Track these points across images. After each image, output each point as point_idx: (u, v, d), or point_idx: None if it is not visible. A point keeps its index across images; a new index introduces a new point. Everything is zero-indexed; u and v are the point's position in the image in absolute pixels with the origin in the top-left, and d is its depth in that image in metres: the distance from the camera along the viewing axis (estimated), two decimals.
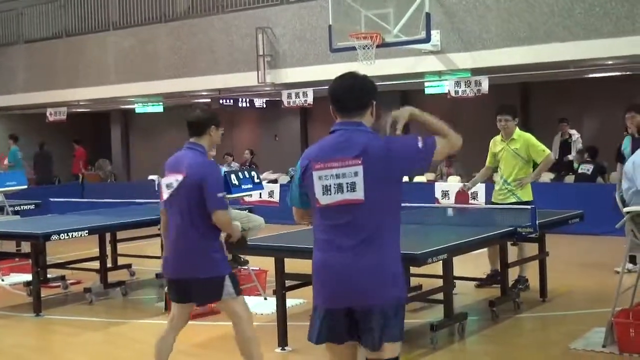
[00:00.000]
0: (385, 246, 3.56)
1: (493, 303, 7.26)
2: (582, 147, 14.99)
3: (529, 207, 7.20)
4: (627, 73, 15.03)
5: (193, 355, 6.56)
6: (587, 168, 13.94)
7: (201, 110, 5.42)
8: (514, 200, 8.15)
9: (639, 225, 5.96)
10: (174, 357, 6.52)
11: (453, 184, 13.71)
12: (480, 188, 9.17)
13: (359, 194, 3.51)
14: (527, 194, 8.18)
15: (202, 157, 5.10)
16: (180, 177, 5.00)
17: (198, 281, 4.98)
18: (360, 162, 3.51)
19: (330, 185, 3.54)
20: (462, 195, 8.65)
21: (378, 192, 3.53)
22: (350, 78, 3.70)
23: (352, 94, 3.66)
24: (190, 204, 4.95)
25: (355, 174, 3.51)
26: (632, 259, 7.86)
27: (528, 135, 8.32)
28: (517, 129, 8.32)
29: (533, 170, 8.28)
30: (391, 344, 3.53)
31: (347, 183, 3.52)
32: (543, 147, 8.24)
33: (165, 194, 5.08)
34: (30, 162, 20.27)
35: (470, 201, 8.80)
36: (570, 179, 14.62)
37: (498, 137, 8.41)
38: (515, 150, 8.20)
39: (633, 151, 8.26)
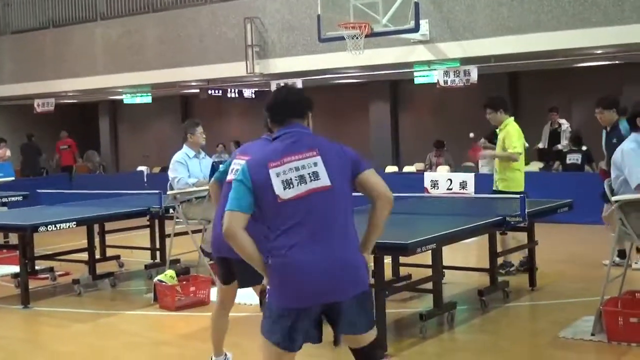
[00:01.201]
0: (354, 237, 3.65)
1: (482, 292, 7.27)
2: (569, 135, 14.98)
3: (516, 196, 7.22)
4: (616, 62, 15.07)
5: (178, 346, 6.54)
6: (575, 157, 14.00)
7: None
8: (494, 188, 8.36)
9: (628, 214, 5.97)
10: (158, 348, 6.54)
11: (442, 173, 13.75)
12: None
13: (325, 181, 3.57)
14: (507, 185, 8.23)
15: None
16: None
17: (241, 262, 5.03)
18: (316, 153, 3.62)
19: (291, 179, 3.56)
20: (474, 149, 8.95)
21: (339, 181, 3.60)
22: (285, 91, 3.86)
23: (287, 105, 3.78)
24: None
25: (315, 164, 3.59)
26: (621, 254, 7.84)
27: (510, 127, 8.29)
28: (508, 119, 8.34)
29: (525, 162, 8.41)
30: (373, 329, 3.71)
31: (309, 173, 3.57)
32: (515, 144, 8.18)
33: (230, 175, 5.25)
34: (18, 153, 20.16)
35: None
36: (559, 168, 14.65)
37: None
38: (499, 140, 8.34)
39: (606, 146, 8.32)
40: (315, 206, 3.54)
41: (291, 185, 3.54)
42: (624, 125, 8.21)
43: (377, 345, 3.77)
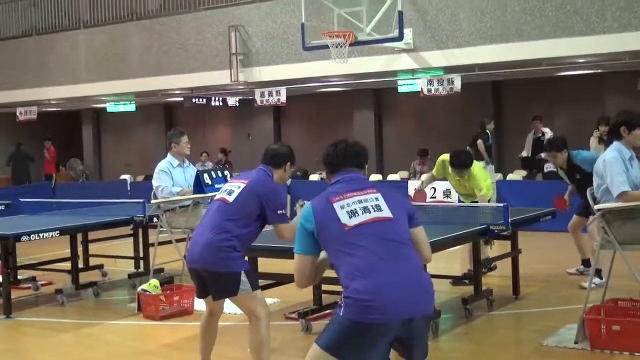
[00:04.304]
0: (420, 262, 3.78)
1: (466, 301, 7.28)
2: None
3: (501, 205, 7.27)
4: (598, 71, 15.19)
5: (162, 356, 6.51)
6: (552, 165, 14.06)
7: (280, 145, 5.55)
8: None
9: (610, 222, 6.01)
10: (142, 358, 6.51)
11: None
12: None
13: (387, 213, 3.74)
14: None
15: (270, 179, 5.25)
16: (242, 185, 5.18)
17: (210, 274, 5.06)
18: (376, 190, 3.83)
19: (356, 209, 3.72)
20: (420, 194, 8.97)
21: (399, 216, 3.77)
22: (345, 144, 3.99)
23: (350, 155, 3.96)
24: (244, 207, 5.08)
25: (376, 199, 3.79)
26: (599, 273, 7.85)
27: (477, 173, 8.50)
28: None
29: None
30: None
31: (372, 205, 3.75)
32: (481, 186, 8.44)
33: (223, 194, 5.25)
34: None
35: (428, 199, 9.21)
36: (541, 177, 14.71)
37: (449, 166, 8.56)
38: (465, 185, 8.58)
39: (571, 181, 8.40)
40: (381, 232, 3.68)
41: (356, 214, 3.70)
42: (582, 156, 8.26)
43: None
